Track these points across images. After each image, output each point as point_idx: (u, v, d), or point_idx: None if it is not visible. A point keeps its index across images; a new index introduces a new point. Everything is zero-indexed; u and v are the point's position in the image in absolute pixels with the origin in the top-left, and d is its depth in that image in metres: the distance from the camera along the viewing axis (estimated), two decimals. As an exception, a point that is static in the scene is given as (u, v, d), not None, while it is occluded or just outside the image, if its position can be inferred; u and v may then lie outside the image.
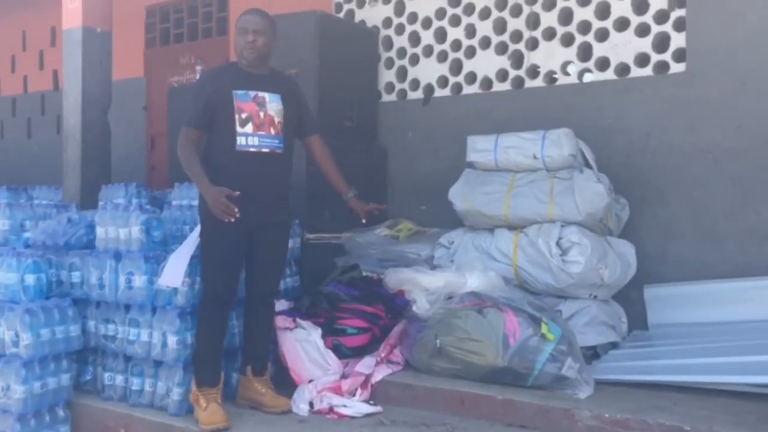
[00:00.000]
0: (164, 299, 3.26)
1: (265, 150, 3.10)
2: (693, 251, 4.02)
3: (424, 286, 3.56)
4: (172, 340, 3.19)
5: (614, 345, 3.84)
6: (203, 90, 3.14)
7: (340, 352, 3.60)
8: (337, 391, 3.31)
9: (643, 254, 4.07)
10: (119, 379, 3.44)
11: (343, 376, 3.44)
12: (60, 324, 3.35)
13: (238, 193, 2.97)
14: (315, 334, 3.54)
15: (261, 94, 3.13)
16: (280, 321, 3.62)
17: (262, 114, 3.11)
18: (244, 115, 3.08)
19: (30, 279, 3.39)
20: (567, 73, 4.58)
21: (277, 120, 3.14)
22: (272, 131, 3.13)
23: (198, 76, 5.50)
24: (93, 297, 3.50)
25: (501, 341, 3.18)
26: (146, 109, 6.65)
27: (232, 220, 2.96)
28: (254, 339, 3.33)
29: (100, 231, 3.54)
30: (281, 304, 3.87)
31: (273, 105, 3.15)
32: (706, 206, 3.99)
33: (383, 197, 5.17)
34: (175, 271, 3.18)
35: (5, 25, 7.99)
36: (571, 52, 4.45)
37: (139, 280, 3.31)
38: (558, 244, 3.75)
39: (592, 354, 3.73)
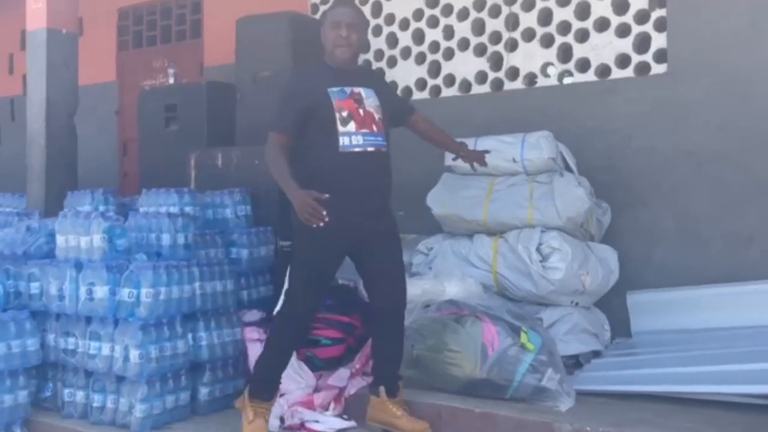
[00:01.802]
0: (126, 311, 3.11)
1: (370, 149, 2.85)
2: (676, 256, 3.92)
3: (400, 294, 3.42)
4: (134, 354, 3.03)
5: (597, 353, 3.74)
6: (294, 92, 2.92)
7: (313, 363, 3.46)
8: (309, 405, 3.18)
9: (626, 259, 3.97)
10: (80, 395, 3.27)
11: (316, 390, 3.30)
12: (16, 338, 3.20)
13: (326, 196, 2.67)
14: (287, 345, 3.40)
15: (356, 89, 2.89)
16: (249, 332, 3.48)
17: (361, 111, 2.87)
18: (344, 114, 2.84)
19: (-15, 291, 3.24)
20: (547, 75, 4.49)
21: (377, 116, 2.90)
22: (375, 128, 2.88)
23: (172, 78, 5.33)
24: (52, 309, 3.33)
25: (479, 352, 3.06)
26: (118, 113, 6.48)
27: (321, 224, 2.68)
28: (385, 357, 3.04)
29: (60, 239, 3.38)
30: (252, 314, 3.74)
31: (370, 101, 2.91)
32: (689, 210, 3.90)
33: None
34: None
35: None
36: (551, 53, 4.35)
37: (101, 291, 3.15)
38: (538, 249, 3.64)
39: (574, 363, 3.63)
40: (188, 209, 3.90)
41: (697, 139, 3.86)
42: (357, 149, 2.84)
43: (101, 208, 4.17)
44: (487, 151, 3.41)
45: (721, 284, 3.79)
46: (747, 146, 3.73)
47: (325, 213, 2.65)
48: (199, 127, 4.94)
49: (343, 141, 2.83)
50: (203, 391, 3.33)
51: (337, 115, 2.84)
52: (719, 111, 3.81)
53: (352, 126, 2.84)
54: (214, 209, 4.12)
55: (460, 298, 3.41)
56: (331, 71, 2.94)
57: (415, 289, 3.43)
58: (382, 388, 2.99)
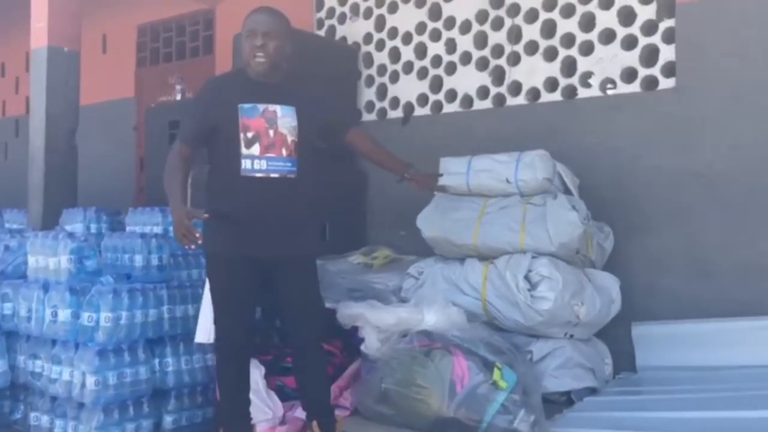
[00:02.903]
0: (86, 336, 3.02)
1: (274, 175, 2.65)
2: (685, 286, 3.63)
3: (374, 323, 3.25)
4: (90, 381, 2.93)
5: (593, 390, 3.47)
6: (203, 101, 2.74)
7: (284, 393, 3.30)
8: (271, 438, 3.02)
9: (631, 288, 3.69)
10: (45, 419, 3.19)
11: (282, 422, 3.15)
12: (-17, 360, 3.16)
13: (206, 215, 2.57)
14: (256, 373, 3.26)
15: (272, 107, 2.67)
16: (221, 359, 3.34)
17: (271, 132, 2.65)
18: (250, 134, 2.63)
19: (-42, 311, 3.22)
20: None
21: (290, 139, 2.68)
22: (284, 152, 2.67)
23: (179, 95, 5.33)
24: (22, 330, 3.28)
25: (447, 388, 2.85)
26: (136, 129, 6.53)
27: (193, 247, 2.60)
28: (308, 392, 2.90)
29: (31, 260, 3.33)
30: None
31: (286, 120, 2.68)
32: (698, 236, 3.60)
33: (362, 222, 4.91)
34: (205, 326, 2.93)
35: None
36: (555, 67, 4.12)
37: (63, 314, 3.07)
38: (527, 277, 3.40)
39: (566, 400, 3.37)
40: (172, 229, 3.84)
41: (707, 160, 3.58)
42: (259, 174, 2.64)
43: (93, 226, 4.15)
44: (438, 175, 3.20)
45: (733, 318, 3.49)
46: (762, 168, 3.44)
47: (198, 234, 2.53)
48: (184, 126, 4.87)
49: (245, 164, 2.63)
50: (168, 419, 3.20)
51: (242, 135, 2.63)
52: (732, 129, 3.52)
53: (256, 149, 2.63)
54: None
55: (439, 328, 3.21)
56: (248, 84, 2.71)
57: (390, 317, 3.26)
58: (314, 423, 2.82)
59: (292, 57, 2.79)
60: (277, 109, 2.68)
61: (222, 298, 2.79)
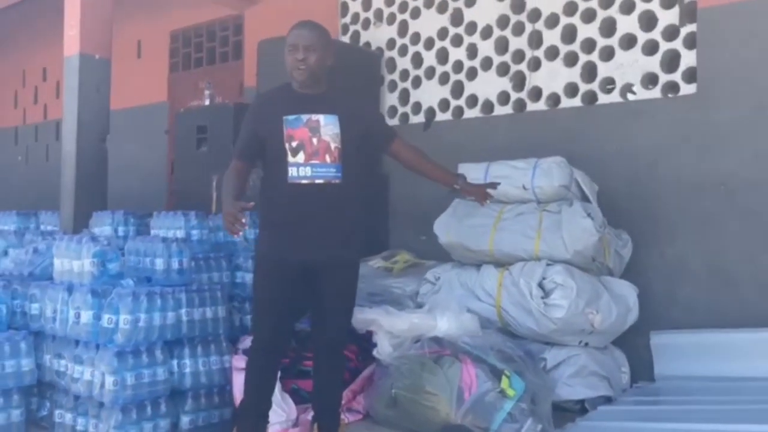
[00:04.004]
0: (106, 337, 3.12)
1: (319, 181, 2.74)
2: (705, 295, 3.57)
3: (387, 328, 3.28)
4: (108, 381, 3.03)
5: (608, 399, 3.44)
6: (251, 118, 2.88)
7: (299, 395, 3.36)
8: (283, 441, 3.08)
9: (650, 297, 3.65)
10: (68, 417, 3.31)
11: (295, 424, 3.20)
12: (11, 358, 3.27)
13: (252, 204, 2.66)
14: (272, 375, 3.32)
15: (315, 117, 2.77)
16: (237, 360, 3.41)
17: (315, 140, 2.75)
18: (294, 143, 2.75)
19: (-13, 310, 3.35)
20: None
21: (333, 146, 2.76)
22: (328, 159, 2.75)
23: (208, 100, 5.42)
24: (47, 330, 3.41)
25: (455, 395, 2.87)
26: (168, 133, 6.68)
27: (240, 233, 2.69)
28: (320, 393, 2.97)
29: (57, 262, 3.45)
30: (245, 342, 3.68)
31: (329, 128, 2.77)
32: (719, 245, 3.54)
33: (384, 226, 4.94)
34: None
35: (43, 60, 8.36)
36: (575, 73, 4.09)
37: (85, 316, 3.18)
38: (541, 285, 3.39)
39: (580, 409, 3.35)
40: (194, 232, 3.94)
41: (729, 167, 3.51)
42: (304, 181, 2.73)
43: (121, 228, 4.28)
44: (496, 184, 3.17)
45: (754, 329, 3.42)
46: (785, 176, 3.36)
47: (244, 221, 2.62)
48: (226, 148, 4.97)
49: (292, 172, 2.74)
50: (185, 420, 3.29)
51: (287, 145, 2.74)
52: (754, 136, 3.45)
53: (301, 157, 2.74)
54: (224, 232, 4.11)
55: (451, 335, 3.22)
56: (292, 96, 2.83)
57: (403, 323, 3.29)
58: (316, 426, 2.89)
59: (333, 68, 2.87)
60: (320, 118, 2.78)
61: (263, 300, 2.87)
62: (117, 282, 3.36)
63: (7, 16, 7.61)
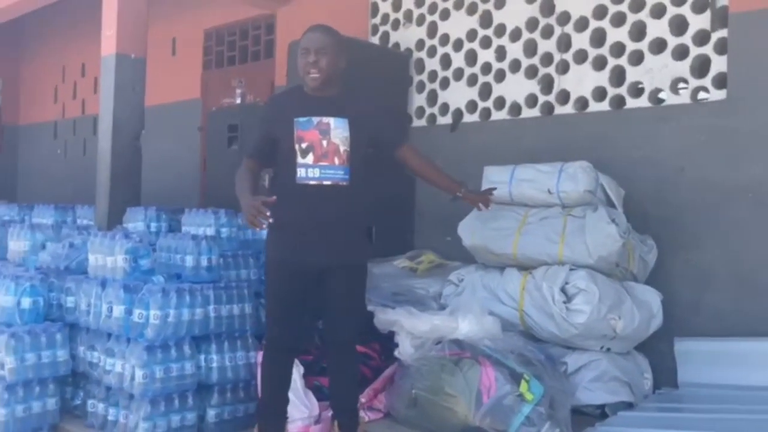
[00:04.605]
0: (137, 331, 3.23)
1: (326, 182, 2.80)
2: (730, 303, 3.54)
3: (408, 329, 3.33)
4: (138, 374, 3.14)
5: (630, 405, 3.44)
6: (264, 118, 2.97)
7: (321, 392, 3.42)
8: (304, 437, 3.15)
9: (674, 303, 3.64)
10: (100, 407, 3.42)
11: (317, 421, 3.27)
12: (47, 349, 3.39)
13: (274, 198, 2.71)
14: (295, 372, 3.39)
15: (326, 119, 2.81)
16: (261, 356, 3.50)
17: (325, 142, 2.80)
18: (304, 145, 2.80)
19: (26, 302, 3.46)
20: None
21: (342, 148, 2.81)
22: (336, 161, 2.80)
23: (239, 98, 5.53)
24: (81, 323, 3.53)
25: (474, 398, 2.91)
26: (201, 129, 6.80)
27: (264, 226, 2.73)
28: (336, 391, 3.05)
29: (91, 258, 3.57)
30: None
31: (338, 131, 2.81)
32: (746, 252, 3.51)
33: (410, 226, 4.99)
34: None
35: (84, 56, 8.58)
36: (603, 77, 4.07)
37: (117, 310, 3.29)
38: (563, 289, 3.41)
39: (601, 414, 3.36)
40: (224, 230, 4.04)
41: (757, 174, 3.48)
42: (312, 182, 2.79)
43: (153, 224, 4.40)
44: (492, 189, 3.20)
45: (780, 338, 3.39)
46: (814, 184, 3.31)
47: (268, 214, 2.64)
48: (249, 142, 5.05)
49: (300, 173, 2.79)
50: (211, 413, 3.38)
51: (297, 146, 2.80)
52: (784, 143, 3.41)
53: (310, 158, 2.79)
54: (252, 230, 4.20)
55: (472, 337, 3.26)
56: (304, 99, 2.87)
57: (424, 325, 3.33)
58: (335, 423, 2.95)
59: (347, 70, 2.92)
60: (331, 121, 2.83)
61: (274, 300, 2.95)
62: (148, 278, 3.47)
63: (48, 13, 7.81)
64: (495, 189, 3.26)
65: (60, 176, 9.02)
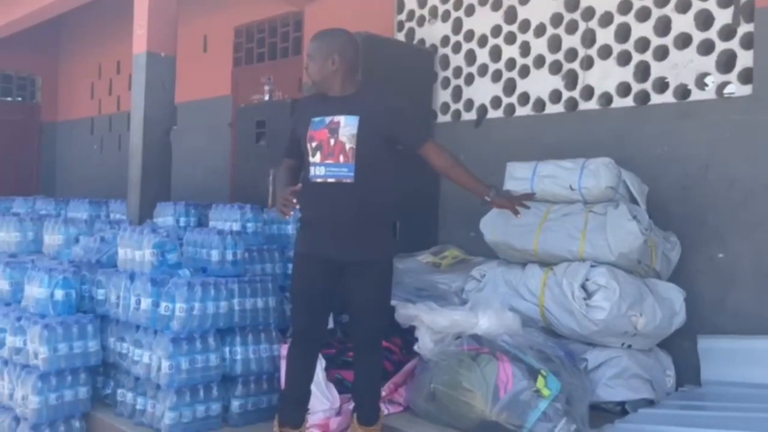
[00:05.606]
0: (163, 324, 3.32)
1: (331, 180, 2.86)
2: (755, 301, 3.50)
3: (428, 324, 3.37)
4: (164, 365, 3.24)
5: (651, 402, 3.43)
6: (293, 120, 3.14)
7: (343, 385, 3.49)
8: (325, 429, 3.21)
9: (697, 301, 3.61)
10: (129, 396, 3.54)
11: (338, 413, 3.33)
12: (79, 339, 3.50)
13: (299, 185, 2.92)
14: (318, 365, 3.46)
15: (337, 118, 2.87)
16: (285, 349, 3.57)
17: (332, 141, 2.86)
18: (314, 144, 2.90)
19: (59, 294, 3.58)
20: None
21: (348, 146, 2.83)
22: (341, 159, 2.84)
23: (267, 95, 5.60)
24: (111, 314, 3.64)
25: (491, 393, 2.93)
26: (231, 125, 6.91)
27: (291, 213, 2.92)
28: (358, 384, 3.11)
29: (121, 252, 3.68)
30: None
31: (347, 129, 2.84)
32: (771, 250, 3.46)
33: (434, 222, 5.02)
34: None
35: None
36: (628, 72, 4.05)
37: (145, 303, 3.39)
38: (584, 286, 3.40)
39: (621, 411, 3.36)
40: (249, 225, 4.12)
41: (783, 171, 3.43)
42: (319, 180, 2.89)
43: (182, 219, 4.51)
44: (531, 195, 3.23)
45: (806, 337, 3.34)
46: (842, 181, 3.25)
47: (295, 201, 2.85)
48: (283, 143, 5.13)
49: (311, 171, 2.92)
50: (235, 404, 3.47)
51: (308, 145, 2.91)
52: (811, 139, 3.35)
53: (318, 157, 2.89)
54: (278, 225, 4.29)
55: (491, 333, 3.28)
56: (322, 100, 2.97)
57: (444, 320, 3.36)
58: (355, 415, 3.02)
59: (349, 68, 2.93)
60: (341, 119, 2.88)
61: (295, 294, 3.03)
62: (175, 271, 3.56)
63: (85, 13, 8.01)
64: (534, 194, 3.27)
65: (96, 171, 9.25)
